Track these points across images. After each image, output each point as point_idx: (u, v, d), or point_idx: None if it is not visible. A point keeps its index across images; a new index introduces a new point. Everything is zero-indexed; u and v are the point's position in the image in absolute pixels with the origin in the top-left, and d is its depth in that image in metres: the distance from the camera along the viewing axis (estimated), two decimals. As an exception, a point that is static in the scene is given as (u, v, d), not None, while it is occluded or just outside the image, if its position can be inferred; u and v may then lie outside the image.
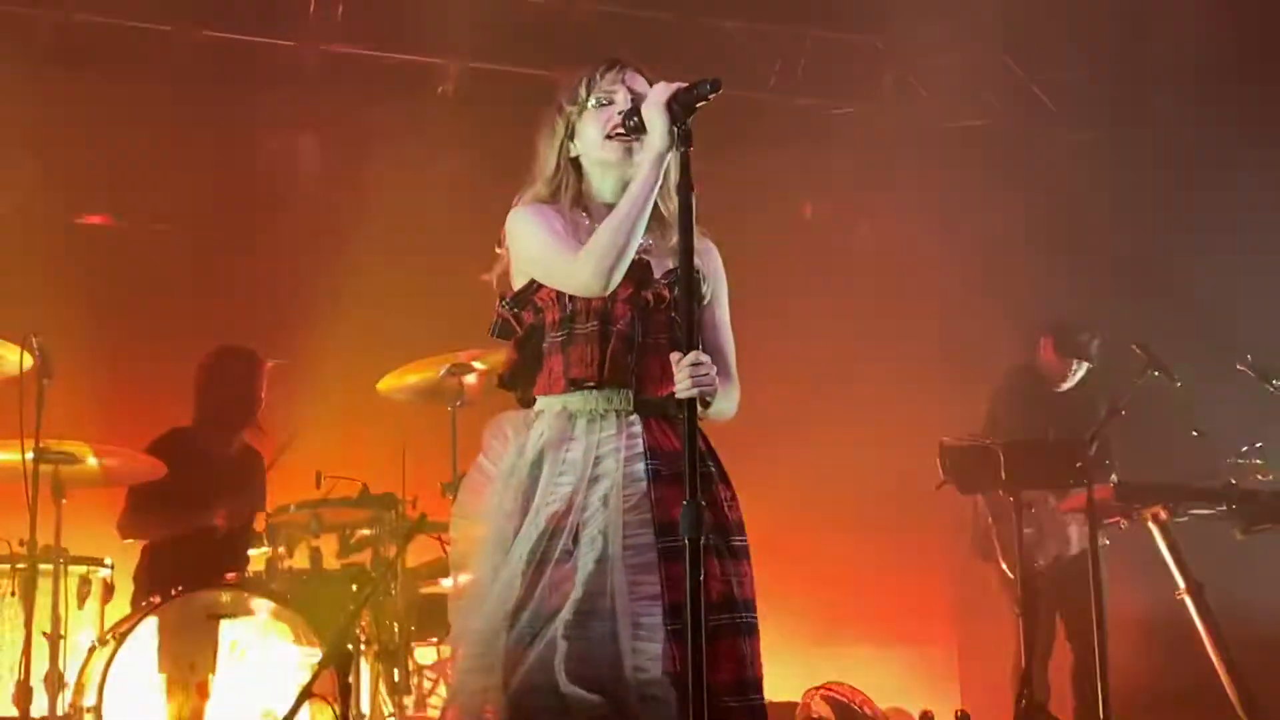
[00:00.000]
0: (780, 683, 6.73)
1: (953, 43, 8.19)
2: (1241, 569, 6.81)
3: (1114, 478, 6.83)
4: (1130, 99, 8.22)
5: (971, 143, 8.72)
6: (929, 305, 8.60)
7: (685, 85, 3.31)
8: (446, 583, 5.85)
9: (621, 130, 3.47)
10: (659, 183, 3.38)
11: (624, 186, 3.48)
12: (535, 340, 3.54)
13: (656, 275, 3.51)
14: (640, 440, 3.41)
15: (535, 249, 3.51)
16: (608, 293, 3.40)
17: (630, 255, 3.38)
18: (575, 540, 3.32)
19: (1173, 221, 8.17)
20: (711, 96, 3.27)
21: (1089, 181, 8.42)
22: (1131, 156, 8.20)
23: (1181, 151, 8.09)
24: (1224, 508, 6.36)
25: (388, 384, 6.23)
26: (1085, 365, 7.21)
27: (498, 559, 3.37)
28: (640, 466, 3.38)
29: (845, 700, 6.63)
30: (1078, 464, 6.05)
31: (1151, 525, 6.35)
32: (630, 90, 3.53)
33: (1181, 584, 6.30)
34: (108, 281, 7.41)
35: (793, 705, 6.67)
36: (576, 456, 3.39)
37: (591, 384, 3.43)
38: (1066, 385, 7.28)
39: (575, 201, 3.58)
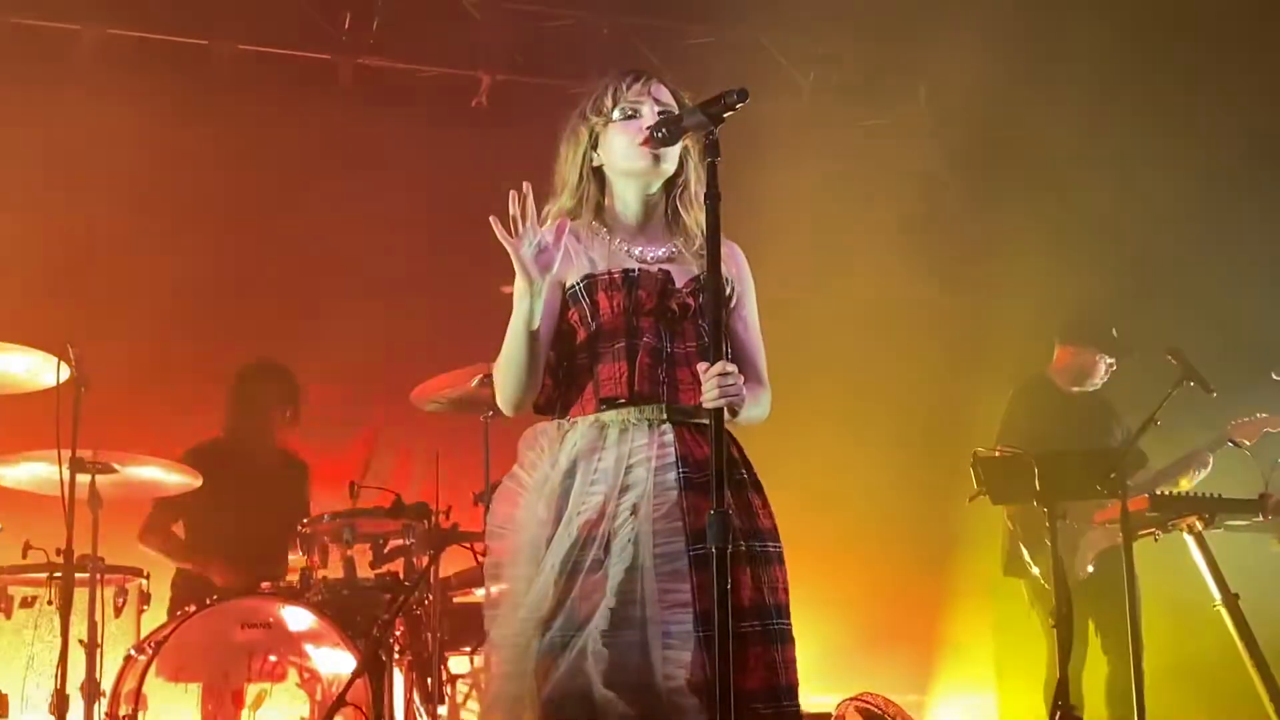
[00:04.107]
0: (816, 693, 6.76)
1: (983, 54, 8.18)
2: (1278, 579, 6.79)
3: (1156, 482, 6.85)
4: (1164, 106, 8.18)
5: (1001, 152, 8.70)
6: (962, 314, 8.58)
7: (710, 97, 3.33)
8: (479, 592, 5.88)
9: (651, 142, 3.50)
10: (529, 314, 3.40)
11: (644, 197, 3.60)
12: (566, 362, 3.56)
13: (679, 284, 3.53)
14: (672, 449, 3.41)
15: None
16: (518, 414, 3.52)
17: (526, 379, 3.47)
18: (607, 549, 3.33)
19: (1206, 230, 8.13)
20: (739, 106, 3.28)
21: (1121, 190, 8.39)
22: (1165, 165, 8.16)
23: (1215, 159, 8.05)
24: (1259, 519, 6.32)
25: (421, 394, 6.25)
26: (1115, 363, 7.22)
27: (531, 568, 3.39)
28: (671, 475, 3.39)
29: (879, 711, 6.60)
30: (1112, 474, 6.02)
31: (1186, 536, 6.31)
32: (656, 101, 3.58)
33: (1217, 595, 6.26)
34: (144, 292, 7.45)
35: (827, 716, 6.66)
36: (608, 466, 3.41)
37: (623, 400, 3.44)
38: (1098, 378, 7.27)
39: (596, 214, 3.62)
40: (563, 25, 8.22)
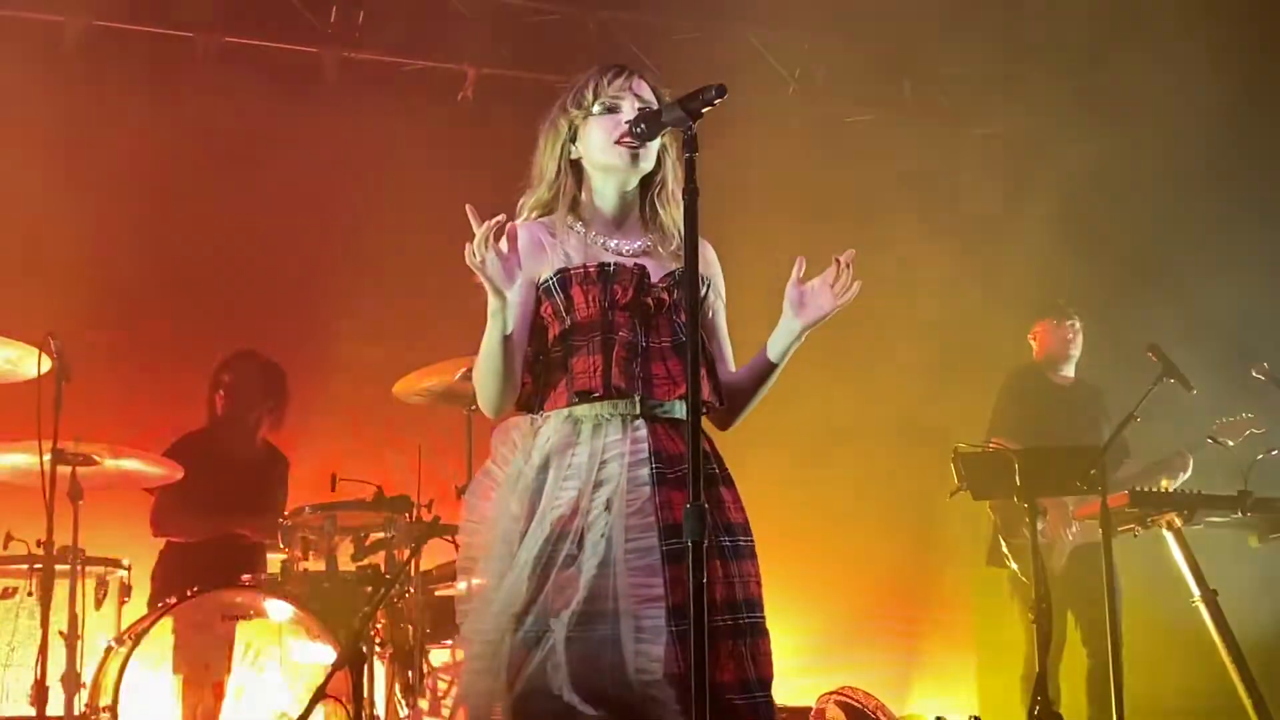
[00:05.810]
0: (796, 687, 6.77)
1: (968, 51, 8.19)
2: (1256, 576, 6.81)
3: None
4: (1145, 106, 8.19)
5: (988, 150, 8.73)
6: (945, 311, 8.59)
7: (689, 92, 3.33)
8: (461, 585, 5.87)
9: (630, 138, 3.49)
10: (503, 325, 3.41)
11: (621, 192, 3.59)
12: (540, 356, 3.56)
13: (654, 279, 3.53)
14: (645, 444, 3.41)
15: None
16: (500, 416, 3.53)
17: (505, 384, 3.47)
18: (580, 544, 3.33)
19: (1187, 228, 8.15)
20: (717, 102, 3.27)
21: (1105, 189, 8.41)
22: (1149, 163, 8.18)
23: (1198, 158, 8.06)
24: (1239, 515, 6.35)
25: (403, 387, 6.25)
26: (1078, 321, 7.27)
27: (504, 563, 3.39)
28: (645, 471, 3.39)
29: (860, 705, 6.61)
30: (1092, 470, 6.03)
31: (1166, 533, 6.33)
32: (637, 97, 3.57)
33: (1196, 591, 6.28)
34: (126, 284, 7.45)
35: (807, 710, 6.68)
36: (581, 461, 3.41)
37: (597, 394, 3.43)
38: (1074, 353, 7.32)
39: (572, 207, 3.61)
40: (548, 19, 8.23)
